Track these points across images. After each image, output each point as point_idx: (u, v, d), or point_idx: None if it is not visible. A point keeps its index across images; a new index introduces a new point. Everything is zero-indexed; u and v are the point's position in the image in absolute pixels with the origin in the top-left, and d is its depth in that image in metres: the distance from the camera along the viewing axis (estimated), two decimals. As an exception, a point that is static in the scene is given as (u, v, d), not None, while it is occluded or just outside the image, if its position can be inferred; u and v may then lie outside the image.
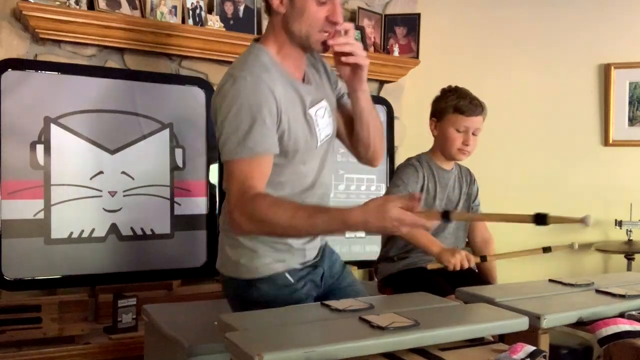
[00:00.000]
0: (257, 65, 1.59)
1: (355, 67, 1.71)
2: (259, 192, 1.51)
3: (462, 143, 2.25)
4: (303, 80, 1.71)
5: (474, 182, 2.46)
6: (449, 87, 2.34)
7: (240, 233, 1.60)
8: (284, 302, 1.64)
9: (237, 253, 1.70)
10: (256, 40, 1.71)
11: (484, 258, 2.16)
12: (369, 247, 3.26)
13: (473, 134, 2.26)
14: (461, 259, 2.06)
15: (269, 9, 1.64)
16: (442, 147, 2.32)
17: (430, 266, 2.13)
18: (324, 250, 1.87)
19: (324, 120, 1.72)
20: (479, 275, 2.35)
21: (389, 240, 2.37)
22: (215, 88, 2.93)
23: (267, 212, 1.46)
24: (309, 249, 1.77)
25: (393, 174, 2.38)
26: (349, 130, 1.87)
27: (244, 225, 1.50)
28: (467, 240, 2.48)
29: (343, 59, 1.66)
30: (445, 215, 1.45)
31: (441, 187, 2.32)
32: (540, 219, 1.57)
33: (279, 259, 1.70)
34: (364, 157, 1.90)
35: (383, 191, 3.29)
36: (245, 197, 1.49)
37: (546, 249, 1.97)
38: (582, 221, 1.65)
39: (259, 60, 1.60)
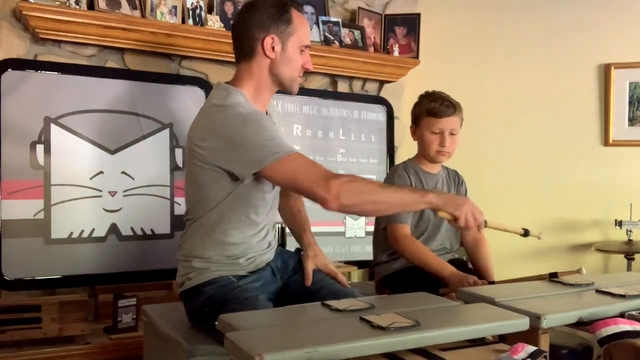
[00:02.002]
0: (237, 102, 1.75)
1: None
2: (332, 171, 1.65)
3: (439, 144, 2.30)
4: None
5: (462, 184, 2.50)
6: (426, 92, 2.39)
7: (338, 207, 1.64)
8: (230, 299, 1.73)
9: (189, 269, 1.83)
10: (227, 82, 1.86)
11: (491, 284, 2.18)
12: (369, 248, 3.24)
13: (450, 133, 2.30)
14: (468, 287, 2.07)
15: (251, 54, 1.81)
16: (423, 152, 2.38)
17: (442, 291, 2.14)
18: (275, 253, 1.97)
19: None
20: (477, 275, 2.36)
21: (383, 242, 2.38)
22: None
23: (357, 182, 1.65)
24: (258, 262, 1.86)
25: (384, 181, 2.40)
26: None
27: (343, 196, 1.61)
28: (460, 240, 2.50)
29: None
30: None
31: None
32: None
33: (225, 268, 1.80)
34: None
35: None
36: (328, 174, 1.63)
37: (553, 275, 1.97)
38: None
39: (237, 99, 1.77)
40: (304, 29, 1.84)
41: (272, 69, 1.82)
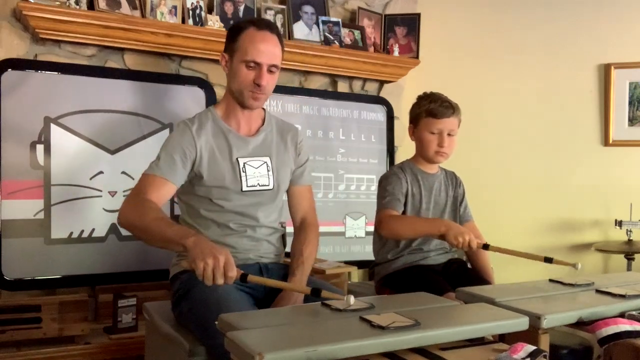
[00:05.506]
0: (197, 120, 1.94)
1: None
2: (149, 198, 1.78)
3: (438, 145, 2.31)
4: (251, 134, 2.00)
5: (460, 185, 2.51)
6: (424, 93, 2.40)
7: (119, 219, 1.80)
8: (197, 283, 1.71)
9: (174, 257, 1.98)
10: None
11: (486, 246, 2.15)
12: (369, 248, 3.24)
13: (449, 134, 2.32)
14: (469, 239, 2.05)
15: None
16: (421, 152, 2.38)
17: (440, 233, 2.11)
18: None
19: (257, 170, 1.96)
20: (477, 274, 2.36)
21: (384, 242, 2.39)
22: (215, 88, 2.96)
23: (139, 209, 1.74)
24: (241, 257, 1.91)
25: (378, 184, 2.40)
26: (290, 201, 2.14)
27: (121, 211, 1.78)
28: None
29: None
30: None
31: (426, 190, 2.37)
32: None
33: None
34: None
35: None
36: (137, 194, 1.80)
37: (548, 259, 1.97)
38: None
39: (200, 117, 1.96)
40: (248, 45, 1.87)
41: (227, 83, 1.98)
